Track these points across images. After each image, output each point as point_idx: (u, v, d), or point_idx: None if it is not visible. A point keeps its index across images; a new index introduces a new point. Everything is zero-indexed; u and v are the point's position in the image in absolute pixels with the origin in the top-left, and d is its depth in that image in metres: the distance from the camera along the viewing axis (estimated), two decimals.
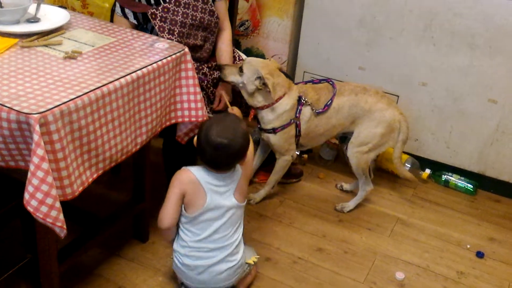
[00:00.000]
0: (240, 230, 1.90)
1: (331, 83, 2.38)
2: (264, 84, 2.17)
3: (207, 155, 1.76)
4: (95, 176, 1.63)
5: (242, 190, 1.87)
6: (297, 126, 2.30)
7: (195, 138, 1.82)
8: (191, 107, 1.94)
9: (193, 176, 1.80)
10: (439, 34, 2.54)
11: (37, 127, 1.38)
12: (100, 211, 2.19)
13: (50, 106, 1.42)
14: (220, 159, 1.77)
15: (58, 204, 1.45)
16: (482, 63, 2.51)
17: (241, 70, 2.19)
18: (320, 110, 2.30)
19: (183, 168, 1.84)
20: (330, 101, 2.31)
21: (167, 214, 1.79)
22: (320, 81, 2.42)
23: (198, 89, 1.93)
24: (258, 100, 2.24)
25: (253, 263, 1.98)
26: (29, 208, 1.43)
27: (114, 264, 2.07)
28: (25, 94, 1.48)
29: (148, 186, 2.11)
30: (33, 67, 1.63)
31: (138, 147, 1.78)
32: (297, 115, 2.28)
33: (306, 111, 2.30)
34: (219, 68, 2.23)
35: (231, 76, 2.20)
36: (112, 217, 2.06)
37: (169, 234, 1.87)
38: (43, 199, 1.42)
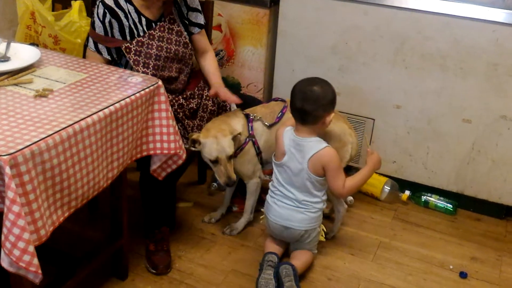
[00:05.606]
0: (317, 199, 2.15)
1: (279, 99, 2.44)
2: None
3: (297, 102, 2.05)
4: (66, 214, 1.59)
5: (317, 168, 2.08)
6: (254, 143, 2.31)
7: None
8: (163, 139, 1.91)
9: (281, 134, 2.16)
10: (411, 58, 2.58)
11: (7, 169, 1.35)
12: (78, 250, 2.14)
13: (20, 147, 1.40)
14: (308, 106, 2.02)
15: (31, 248, 1.41)
16: (454, 85, 2.55)
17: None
18: (272, 123, 2.33)
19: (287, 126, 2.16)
20: (280, 113, 2.35)
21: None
22: (268, 101, 2.49)
23: (171, 122, 1.91)
24: None
25: (323, 231, 2.28)
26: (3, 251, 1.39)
27: None
28: None
29: (125, 222, 2.07)
30: (2, 107, 1.60)
31: (109, 182, 1.75)
32: (251, 132, 2.30)
33: (258, 126, 2.33)
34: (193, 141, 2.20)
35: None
36: (89, 256, 2.01)
37: None
38: (15, 242, 1.39)
